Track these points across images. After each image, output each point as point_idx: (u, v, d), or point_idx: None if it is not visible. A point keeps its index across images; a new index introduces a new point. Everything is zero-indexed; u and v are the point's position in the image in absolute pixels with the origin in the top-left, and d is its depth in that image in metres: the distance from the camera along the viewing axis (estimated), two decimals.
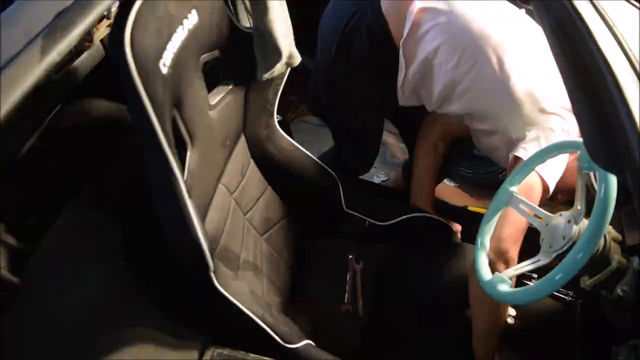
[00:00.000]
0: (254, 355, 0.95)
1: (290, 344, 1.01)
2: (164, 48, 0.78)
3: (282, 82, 1.23)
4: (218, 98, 1.06)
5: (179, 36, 0.83)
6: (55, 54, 0.60)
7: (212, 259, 0.86)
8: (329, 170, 1.41)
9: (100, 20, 0.92)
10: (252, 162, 1.29)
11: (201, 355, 0.90)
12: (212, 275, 0.87)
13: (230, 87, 1.10)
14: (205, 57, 0.97)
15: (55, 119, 0.97)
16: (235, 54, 1.04)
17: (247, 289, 0.99)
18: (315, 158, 1.39)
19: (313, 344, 1.09)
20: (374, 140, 1.65)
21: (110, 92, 1.04)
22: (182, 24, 0.83)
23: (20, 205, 0.89)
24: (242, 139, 1.24)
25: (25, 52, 0.58)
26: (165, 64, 0.78)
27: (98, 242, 0.91)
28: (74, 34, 0.62)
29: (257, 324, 0.95)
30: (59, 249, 0.89)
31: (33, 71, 0.58)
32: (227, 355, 0.92)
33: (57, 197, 0.93)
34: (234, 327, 0.98)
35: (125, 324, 0.89)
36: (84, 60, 0.94)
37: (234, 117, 1.15)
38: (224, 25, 0.99)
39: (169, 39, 0.80)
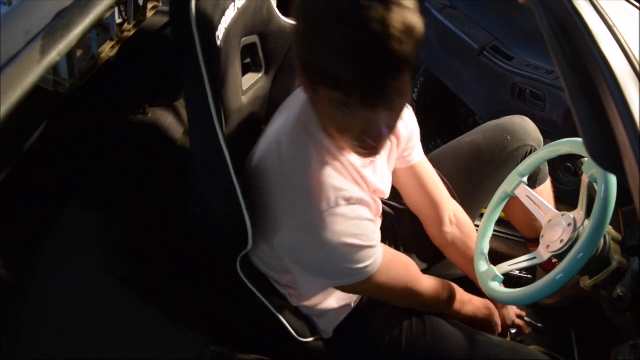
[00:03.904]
0: (253, 355, 0.95)
1: (304, 338, 1.01)
2: (219, 22, 0.81)
3: None
4: (249, 85, 1.05)
5: (230, 13, 0.85)
6: (55, 53, 0.60)
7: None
8: None
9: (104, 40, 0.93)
10: None
11: (200, 354, 0.90)
12: (238, 264, 0.87)
13: (260, 75, 1.09)
14: (244, 40, 0.97)
15: (56, 119, 0.97)
16: (269, 43, 1.04)
17: (266, 279, 1.00)
18: None
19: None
20: None
21: (110, 98, 1.04)
22: (234, 2, 0.85)
23: (21, 205, 0.89)
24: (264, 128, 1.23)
25: (25, 52, 0.58)
26: (219, 37, 0.81)
27: (97, 242, 0.91)
28: (74, 34, 0.62)
29: (274, 315, 0.95)
30: (59, 249, 0.89)
31: (33, 71, 0.57)
32: (227, 354, 0.92)
33: (57, 197, 0.93)
34: (248, 319, 0.98)
35: (125, 323, 0.89)
36: None
37: (260, 106, 1.14)
38: (266, 12, 0.99)
39: (223, 14, 0.82)
